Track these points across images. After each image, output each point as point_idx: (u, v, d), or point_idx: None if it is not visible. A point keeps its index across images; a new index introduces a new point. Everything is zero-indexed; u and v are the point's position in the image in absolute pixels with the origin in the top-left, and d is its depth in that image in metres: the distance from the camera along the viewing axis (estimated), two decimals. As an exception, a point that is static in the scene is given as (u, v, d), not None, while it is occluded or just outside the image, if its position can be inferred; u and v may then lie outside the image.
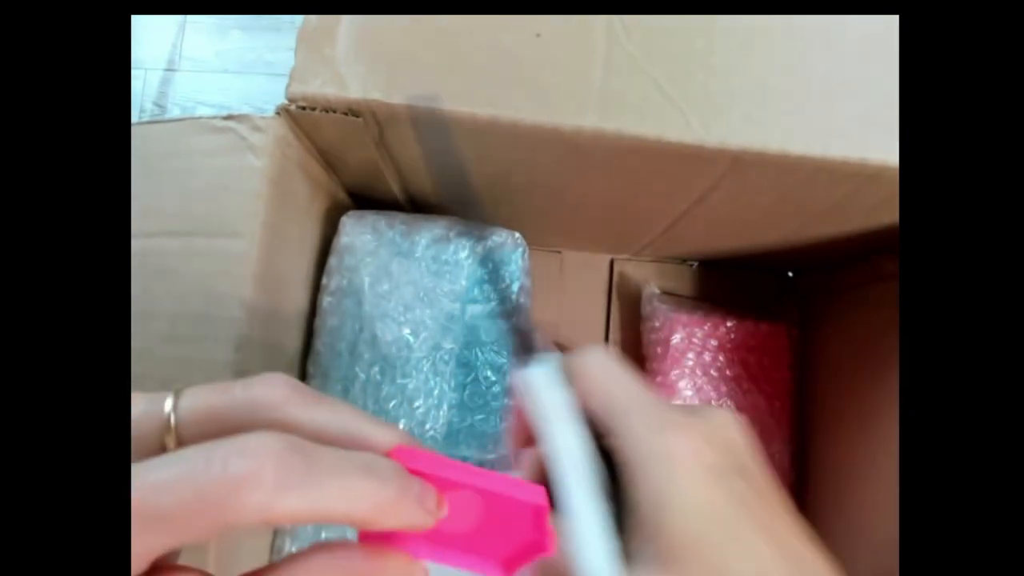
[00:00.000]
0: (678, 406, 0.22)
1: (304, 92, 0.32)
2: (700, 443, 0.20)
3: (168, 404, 0.17)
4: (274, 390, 0.18)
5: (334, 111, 0.32)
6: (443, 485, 0.18)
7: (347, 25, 0.32)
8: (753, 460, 0.21)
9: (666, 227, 0.47)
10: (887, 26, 0.33)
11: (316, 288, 0.42)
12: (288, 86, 0.32)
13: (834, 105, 0.33)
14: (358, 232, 0.41)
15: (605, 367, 0.22)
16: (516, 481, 0.18)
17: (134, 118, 0.80)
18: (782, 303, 0.57)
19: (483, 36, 0.32)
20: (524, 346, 0.24)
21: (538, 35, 0.33)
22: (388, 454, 0.18)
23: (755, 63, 0.33)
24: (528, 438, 0.23)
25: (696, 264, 0.58)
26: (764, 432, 0.52)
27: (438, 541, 0.18)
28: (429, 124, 0.29)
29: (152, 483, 0.15)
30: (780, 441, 0.53)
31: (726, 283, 0.58)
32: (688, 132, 0.32)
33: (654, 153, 0.33)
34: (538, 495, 0.18)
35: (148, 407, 0.18)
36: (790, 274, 0.58)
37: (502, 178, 0.40)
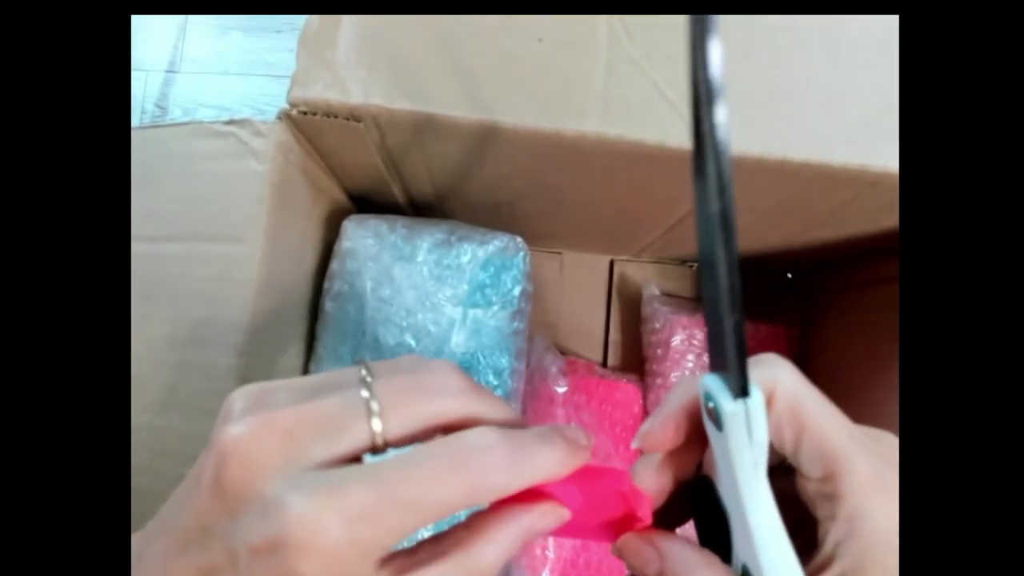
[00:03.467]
0: (866, 432, 0.21)
1: (305, 97, 0.32)
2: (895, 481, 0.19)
3: (365, 394, 0.19)
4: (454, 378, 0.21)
5: (335, 116, 0.32)
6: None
7: (348, 29, 0.32)
8: None
9: (666, 229, 0.47)
10: (888, 32, 0.33)
11: (318, 292, 0.42)
12: (289, 91, 0.32)
13: (835, 111, 0.33)
14: (360, 236, 0.41)
15: (812, 397, 0.20)
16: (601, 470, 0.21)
17: (135, 120, 0.80)
18: (782, 304, 0.57)
19: (485, 41, 0.32)
20: (722, 353, 0.18)
21: (540, 40, 0.33)
22: None
23: (756, 68, 0.33)
24: (674, 440, 0.21)
25: (696, 265, 0.58)
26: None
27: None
28: None
29: (419, 469, 0.18)
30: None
31: (726, 285, 0.58)
32: (689, 137, 0.32)
33: (655, 158, 0.33)
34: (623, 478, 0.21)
35: (349, 406, 0.19)
36: (790, 276, 0.58)
37: (503, 181, 0.40)
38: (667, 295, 0.56)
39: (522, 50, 0.32)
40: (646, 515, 0.21)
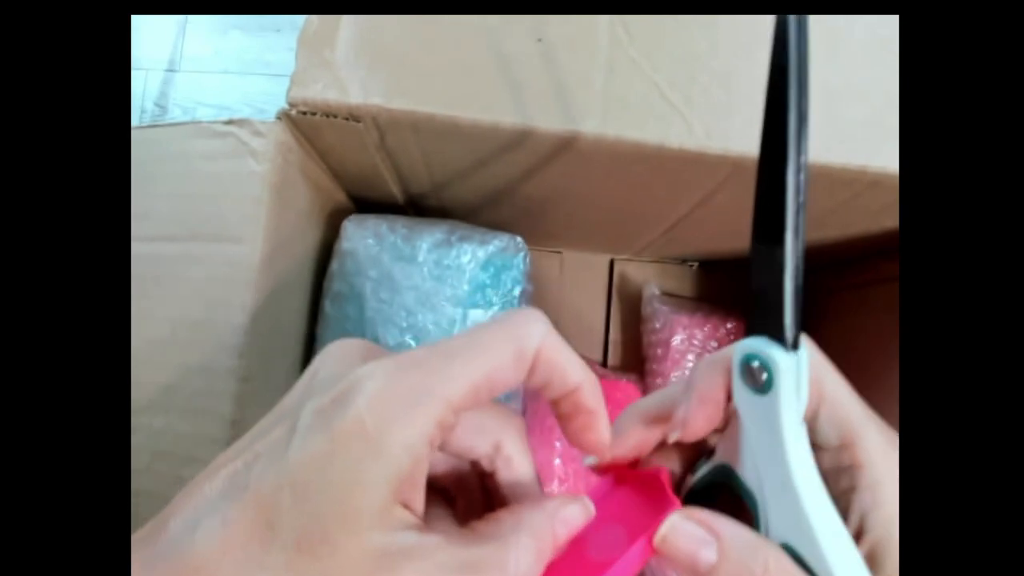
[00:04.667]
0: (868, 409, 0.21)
1: (305, 97, 0.31)
2: None
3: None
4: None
5: (335, 116, 0.32)
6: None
7: (347, 29, 0.32)
8: None
9: (667, 229, 0.47)
10: (889, 32, 0.33)
11: (317, 293, 0.42)
12: (289, 91, 0.32)
13: (835, 111, 0.33)
14: (360, 236, 0.41)
15: (828, 367, 0.20)
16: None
17: (135, 119, 0.80)
18: (782, 304, 0.56)
19: (484, 41, 0.32)
20: (769, 312, 0.18)
21: (539, 40, 0.33)
22: None
23: (757, 68, 0.33)
24: (716, 420, 0.21)
25: (697, 265, 0.58)
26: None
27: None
28: None
29: (470, 331, 0.19)
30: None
31: (726, 284, 0.58)
32: (690, 138, 0.32)
33: (655, 159, 0.33)
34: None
35: None
36: (790, 276, 0.58)
37: (503, 181, 0.40)
38: (667, 295, 0.56)
39: (522, 50, 0.32)
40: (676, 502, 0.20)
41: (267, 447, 0.17)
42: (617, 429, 0.23)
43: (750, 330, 0.19)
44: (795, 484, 0.18)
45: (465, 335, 0.19)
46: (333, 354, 0.19)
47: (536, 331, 0.19)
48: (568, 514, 0.20)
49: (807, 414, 0.19)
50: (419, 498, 0.18)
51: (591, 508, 0.20)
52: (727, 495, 0.21)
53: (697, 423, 0.20)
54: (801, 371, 0.18)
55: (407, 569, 0.17)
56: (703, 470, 0.22)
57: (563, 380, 0.20)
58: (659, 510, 0.20)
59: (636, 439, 0.23)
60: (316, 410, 0.17)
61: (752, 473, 0.20)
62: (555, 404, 0.21)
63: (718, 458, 0.22)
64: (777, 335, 0.18)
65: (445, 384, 0.17)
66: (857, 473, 0.19)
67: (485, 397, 0.18)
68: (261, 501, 0.16)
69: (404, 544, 0.17)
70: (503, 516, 0.19)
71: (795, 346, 0.18)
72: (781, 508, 0.19)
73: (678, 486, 0.23)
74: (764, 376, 0.18)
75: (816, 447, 0.19)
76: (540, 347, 0.19)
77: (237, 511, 0.16)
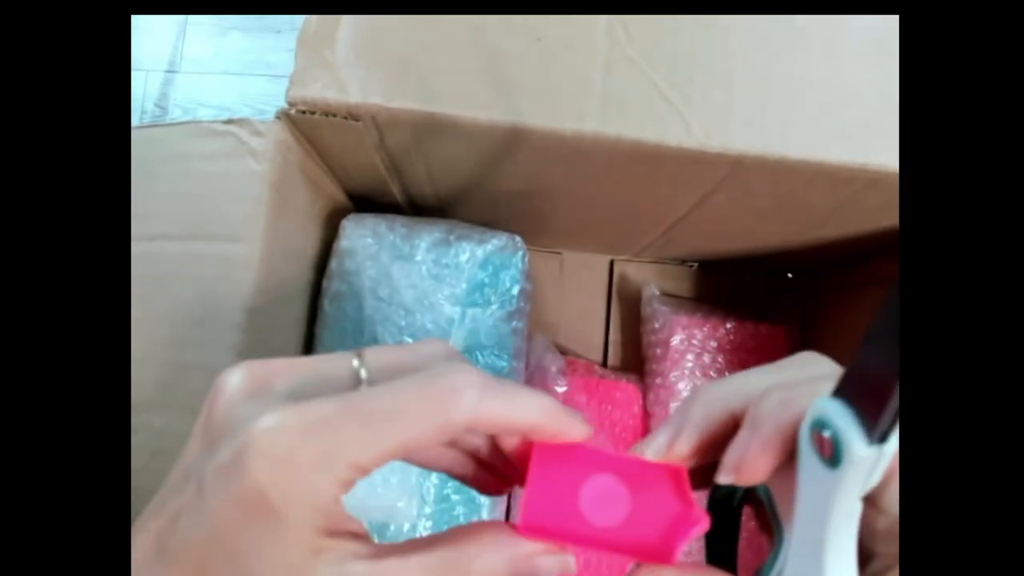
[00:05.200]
0: None
1: (304, 96, 0.32)
2: None
3: (355, 362, 0.19)
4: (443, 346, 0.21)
5: (334, 115, 0.32)
6: (587, 467, 0.20)
7: (347, 28, 0.32)
8: None
9: (666, 229, 0.47)
10: (888, 30, 0.33)
11: (316, 292, 0.42)
12: (288, 90, 0.32)
13: (834, 109, 0.33)
14: (358, 235, 0.41)
15: None
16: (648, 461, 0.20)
17: (135, 120, 0.80)
18: (782, 305, 0.56)
19: (484, 40, 0.32)
20: (864, 388, 0.17)
21: (539, 39, 0.33)
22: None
23: (755, 68, 0.33)
24: (773, 468, 0.19)
25: (696, 265, 0.58)
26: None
27: (592, 534, 0.19)
28: None
29: (388, 389, 0.18)
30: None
31: (726, 284, 0.58)
32: (688, 137, 0.32)
33: (654, 158, 0.33)
34: (673, 468, 0.19)
35: (338, 362, 0.19)
36: (790, 275, 0.58)
37: (502, 180, 0.40)
38: (667, 295, 0.56)
39: (521, 49, 0.32)
40: (701, 515, 0.19)
41: (185, 507, 0.17)
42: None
43: (839, 390, 0.17)
44: (825, 565, 0.17)
45: (385, 394, 0.18)
46: (223, 391, 0.18)
47: (466, 403, 0.18)
48: (540, 564, 0.19)
49: (877, 483, 0.18)
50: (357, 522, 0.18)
51: (571, 568, 0.19)
52: (754, 508, 0.20)
53: (756, 467, 0.18)
54: (880, 463, 0.16)
55: None
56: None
57: (513, 429, 0.19)
58: (673, 503, 0.19)
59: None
60: (217, 471, 0.17)
61: (788, 512, 0.19)
62: (503, 440, 0.21)
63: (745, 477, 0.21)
64: (867, 417, 0.16)
65: (354, 451, 0.17)
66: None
67: (398, 458, 0.18)
68: (193, 564, 0.17)
69: (351, 572, 0.17)
70: (466, 532, 0.19)
71: (883, 439, 0.16)
72: (802, 568, 0.18)
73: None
74: (833, 451, 0.17)
75: (877, 508, 0.19)
76: (474, 417, 0.18)
77: (175, 573, 0.17)
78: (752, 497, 0.20)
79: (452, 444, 0.22)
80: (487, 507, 0.41)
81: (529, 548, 0.19)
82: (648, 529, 0.19)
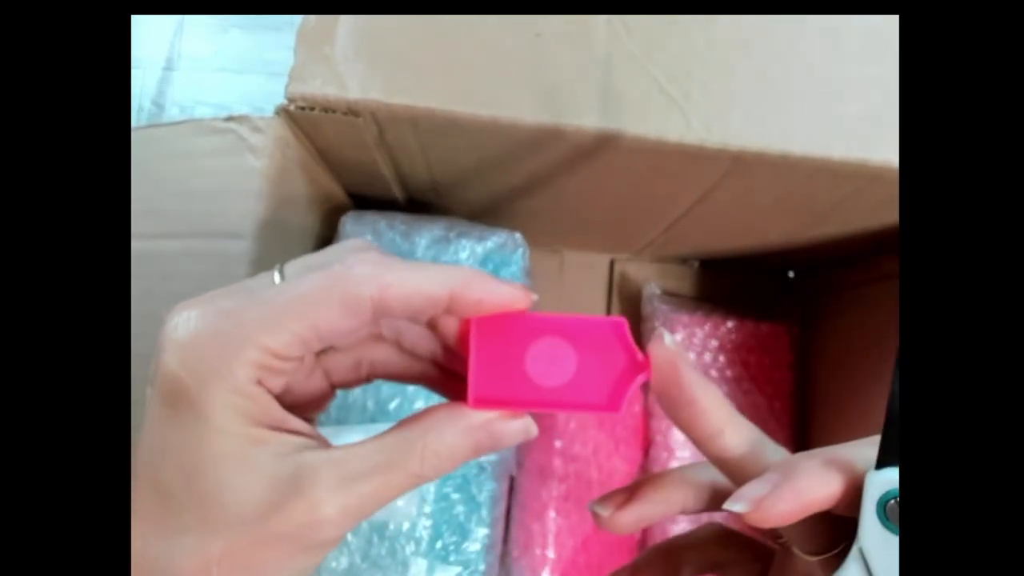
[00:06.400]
0: None
1: (303, 92, 0.31)
2: None
3: (276, 273, 0.19)
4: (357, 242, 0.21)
5: (333, 111, 0.32)
6: (529, 333, 0.20)
7: (346, 24, 0.32)
8: None
9: (667, 227, 0.47)
10: (889, 25, 0.33)
11: (316, 289, 0.42)
12: (287, 86, 0.31)
13: (835, 105, 0.33)
14: (358, 233, 0.41)
15: None
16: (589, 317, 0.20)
17: (133, 118, 0.80)
18: (782, 303, 0.56)
19: (483, 35, 0.32)
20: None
21: (538, 34, 0.32)
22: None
23: (756, 62, 0.33)
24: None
25: (697, 264, 0.58)
26: (764, 432, 0.52)
27: (543, 396, 0.20)
28: None
29: (294, 280, 0.18)
30: (780, 441, 0.52)
31: (727, 283, 0.58)
32: (689, 132, 0.32)
33: (655, 153, 0.33)
34: (614, 320, 0.20)
35: (261, 276, 0.20)
36: (791, 274, 0.58)
37: (502, 177, 0.40)
38: (667, 294, 0.56)
39: (521, 45, 0.32)
40: (644, 364, 0.20)
41: (136, 431, 0.18)
42: (651, 487, 0.22)
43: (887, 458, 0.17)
44: None
45: (290, 283, 0.18)
46: (166, 318, 0.19)
47: (363, 276, 0.18)
48: (500, 431, 0.19)
49: None
50: (302, 419, 0.19)
51: (532, 431, 0.20)
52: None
53: (777, 513, 0.18)
54: None
55: (316, 488, 0.17)
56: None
57: (427, 302, 0.18)
58: (619, 356, 0.20)
59: (672, 501, 0.21)
60: (148, 380, 0.17)
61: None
62: (440, 324, 0.21)
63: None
64: None
65: (261, 334, 0.17)
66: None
67: (317, 345, 0.18)
68: (149, 479, 0.17)
69: (301, 467, 0.17)
70: (420, 415, 0.19)
71: None
72: None
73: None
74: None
75: None
76: (377, 292, 0.18)
77: (138, 490, 0.18)
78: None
79: (397, 345, 0.22)
80: (487, 506, 0.40)
81: (483, 417, 0.19)
82: (595, 383, 0.20)
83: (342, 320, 0.18)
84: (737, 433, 0.20)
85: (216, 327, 0.17)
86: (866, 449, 0.19)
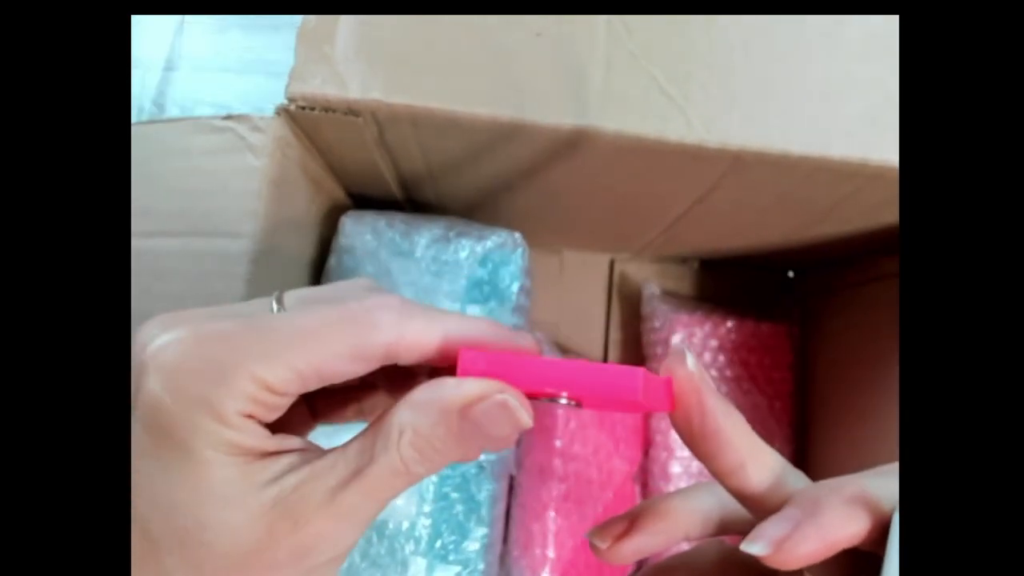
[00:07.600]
0: None
1: (303, 91, 0.31)
2: None
3: (274, 303, 0.18)
4: (365, 280, 0.20)
5: (334, 111, 0.32)
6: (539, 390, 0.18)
7: (347, 24, 0.32)
8: None
9: (666, 226, 0.47)
10: (888, 25, 0.33)
11: (316, 288, 0.42)
12: (287, 85, 0.31)
13: (835, 104, 0.33)
14: (357, 232, 0.41)
15: None
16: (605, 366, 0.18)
17: (133, 118, 0.80)
18: (782, 303, 0.56)
19: (483, 35, 0.32)
20: None
21: (538, 34, 0.32)
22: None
23: (756, 62, 0.33)
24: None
25: (696, 264, 0.58)
26: (764, 432, 0.52)
27: (544, 371, 0.17)
28: None
29: (299, 311, 0.17)
30: (780, 441, 0.53)
31: (726, 283, 0.58)
32: (689, 132, 0.32)
33: (654, 153, 0.33)
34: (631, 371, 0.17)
35: (256, 302, 0.19)
36: (790, 274, 0.58)
37: (502, 177, 0.40)
38: (667, 294, 0.56)
39: (521, 45, 0.32)
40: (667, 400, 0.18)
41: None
42: (660, 512, 0.20)
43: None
44: None
45: (295, 314, 0.17)
46: (136, 341, 0.17)
47: (384, 323, 0.16)
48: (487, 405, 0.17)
49: None
50: (288, 437, 0.17)
51: (523, 420, 0.17)
52: None
53: (799, 555, 0.16)
54: None
55: (304, 510, 0.16)
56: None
57: (440, 356, 0.17)
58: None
59: (674, 532, 0.20)
60: (133, 393, 0.16)
61: None
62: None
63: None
64: None
65: (255, 365, 0.16)
66: None
67: (315, 385, 0.17)
68: (139, 526, 0.16)
69: (286, 490, 0.16)
70: (392, 413, 0.17)
71: None
72: None
73: None
74: None
75: None
76: (395, 338, 0.17)
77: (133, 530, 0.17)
78: None
79: (388, 391, 0.21)
80: (486, 505, 0.40)
81: (462, 398, 0.17)
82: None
83: (348, 363, 0.17)
84: (762, 467, 0.19)
85: (208, 353, 0.16)
86: (890, 481, 0.18)
